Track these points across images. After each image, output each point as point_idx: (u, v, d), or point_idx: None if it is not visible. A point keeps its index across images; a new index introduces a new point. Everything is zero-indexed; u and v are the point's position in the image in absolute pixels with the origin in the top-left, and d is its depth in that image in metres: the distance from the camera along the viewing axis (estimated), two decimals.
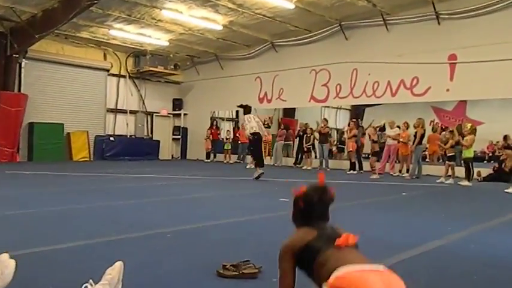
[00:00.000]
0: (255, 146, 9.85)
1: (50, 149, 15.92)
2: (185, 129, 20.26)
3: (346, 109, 22.05)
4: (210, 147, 18.22)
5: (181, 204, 6.21)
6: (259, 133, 9.67)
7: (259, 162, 9.73)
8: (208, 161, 18.17)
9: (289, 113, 20.13)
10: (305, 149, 15.43)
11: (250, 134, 9.65)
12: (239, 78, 17.94)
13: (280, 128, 17.11)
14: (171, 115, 20.34)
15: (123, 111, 18.85)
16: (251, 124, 9.67)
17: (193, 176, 10.66)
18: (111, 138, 17.76)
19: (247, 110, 10.03)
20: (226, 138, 18.11)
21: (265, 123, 14.47)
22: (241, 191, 8.10)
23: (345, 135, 14.73)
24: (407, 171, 12.76)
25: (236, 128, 19.62)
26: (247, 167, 11.90)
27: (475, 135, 10.47)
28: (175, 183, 8.89)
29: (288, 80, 16.47)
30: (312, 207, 1.89)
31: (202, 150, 18.88)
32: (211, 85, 19.12)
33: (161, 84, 19.93)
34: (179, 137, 20.14)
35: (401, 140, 12.47)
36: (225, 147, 17.95)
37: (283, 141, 16.62)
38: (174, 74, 19.50)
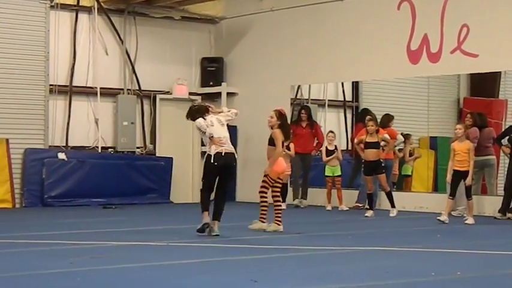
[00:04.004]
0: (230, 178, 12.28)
1: None
2: (231, 130, 20.51)
3: None
4: (289, 170, 17.32)
5: None
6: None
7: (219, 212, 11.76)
8: (283, 207, 17.50)
9: (483, 85, 19.56)
10: None
11: (228, 152, 11.54)
12: (360, 5, 17.93)
13: (466, 121, 16.27)
14: (198, 97, 20.24)
15: (88, 92, 18.81)
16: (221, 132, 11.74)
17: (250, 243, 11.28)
18: (61, 156, 17.74)
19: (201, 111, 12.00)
20: (330, 150, 17.66)
21: None
22: None
23: None
24: None
25: (355, 125, 19.55)
26: (392, 214, 14.94)
27: None
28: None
29: (482, 4, 16.18)
30: None
31: None
32: (292, 25, 19.10)
33: (174, 27, 20.14)
34: None
35: None
36: (328, 173, 17.64)
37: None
38: (202, 0, 19.49)
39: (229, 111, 12.20)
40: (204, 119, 11.45)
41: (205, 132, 11.42)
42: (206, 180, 11.66)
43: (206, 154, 11.47)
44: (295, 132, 17.85)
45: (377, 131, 15.24)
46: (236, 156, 11.71)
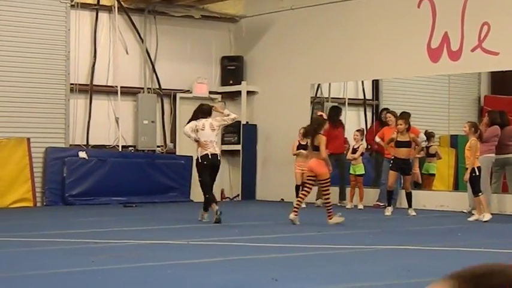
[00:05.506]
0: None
1: None
2: (251, 129, 20.42)
3: None
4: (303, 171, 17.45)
5: None
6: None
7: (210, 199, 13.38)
8: (302, 205, 17.33)
9: (505, 83, 19.63)
10: None
11: (213, 154, 13.02)
12: (380, 3, 18.05)
13: (483, 122, 16.34)
14: (218, 96, 20.48)
15: (108, 91, 19.03)
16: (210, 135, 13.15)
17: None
18: (82, 154, 17.96)
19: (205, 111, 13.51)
20: (354, 149, 17.80)
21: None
22: None
23: None
24: None
25: (377, 122, 19.40)
26: (412, 213, 14.85)
27: None
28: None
29: (503, 1, 16.18)
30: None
31: (292, 178, 18.18)
32: (312, 23, 19.24)
33: (194, 26, 20.27)
34: (238, 147, 20.60)
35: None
36: (351, 171, 17.74)
37: (493, 154, 15.95)
38: None
39: (228, 115, 13.41)
40: (197, 121, 12.95)
41: (190, 137, 13.00)
42: (202, 178, 13.29)
43: (196, 157, 13.25)
44: (333, 133, 17.81)
45: (407, 130, 14.90)
46: (219, 158, 13.36)
